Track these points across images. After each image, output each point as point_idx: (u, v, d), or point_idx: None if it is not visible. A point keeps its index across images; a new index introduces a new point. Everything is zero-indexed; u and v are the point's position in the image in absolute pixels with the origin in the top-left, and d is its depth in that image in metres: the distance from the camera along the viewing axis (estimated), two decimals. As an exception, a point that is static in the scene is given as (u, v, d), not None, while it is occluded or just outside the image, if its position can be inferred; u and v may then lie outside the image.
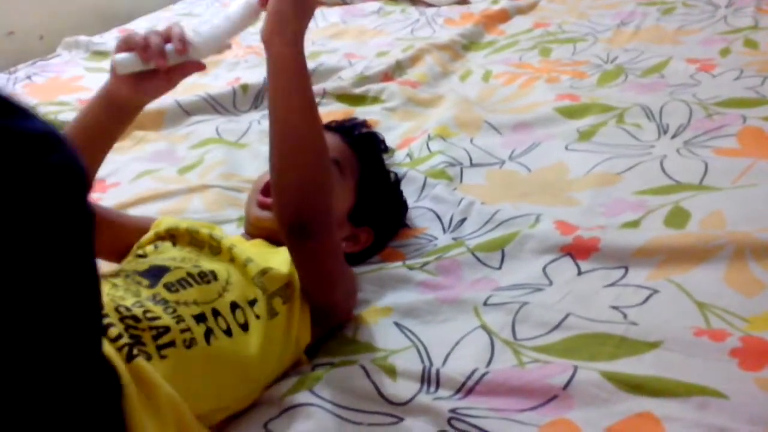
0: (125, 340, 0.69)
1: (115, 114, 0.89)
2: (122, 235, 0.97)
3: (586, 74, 1.62)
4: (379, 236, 1.06)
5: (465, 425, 0.74)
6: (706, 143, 1.24)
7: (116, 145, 1.49)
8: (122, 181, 1.35)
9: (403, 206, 1.14)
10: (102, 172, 1.38)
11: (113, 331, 0.69)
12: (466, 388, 0.79)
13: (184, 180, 1.34)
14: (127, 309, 0.72)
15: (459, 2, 2.31)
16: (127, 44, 0.83)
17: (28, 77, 1.93)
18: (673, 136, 1.28)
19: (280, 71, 0.81)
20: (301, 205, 0.80)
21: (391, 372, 0.82)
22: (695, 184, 1.13)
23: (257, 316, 0.80)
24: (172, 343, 0.72)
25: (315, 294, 0.85)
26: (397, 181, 1.17)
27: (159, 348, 0.71)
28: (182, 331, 0.73)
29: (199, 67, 0.86)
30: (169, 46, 0.82)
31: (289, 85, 0.80)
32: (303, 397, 0.79)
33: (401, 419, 0.76)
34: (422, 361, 0.85)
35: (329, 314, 0.88)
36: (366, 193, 1.05)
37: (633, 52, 1.72)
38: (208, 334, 0.75)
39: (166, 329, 0.72)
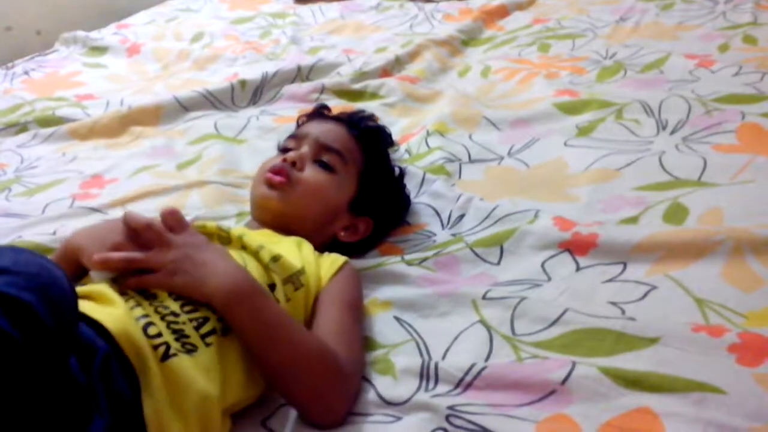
0: (165, 338, 0.71)
1: None
2: None
3: (585, 70, 1.62)
4: (379, 227, 1.08)
5: (463, 422, 0.74)
6: (704, 139, 1.24)
7: (114, 141, 1.52)
8: (120, 177, 1.35)
9: (406, 200, 1.15)
10: (100, 167, 1.39)
11: (153, 330, 0.72)
12: (465, 383, 0.79)
13: (183, 176, 1.34)
14: (165, 307, 0.75)
15: (458, -2, 2.30)
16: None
17: (26, 72, 1.93)
18: (672, 132, 1.28)
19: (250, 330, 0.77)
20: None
21: (391, 371, 0.82)
22: (694, 180, 1.13)
23: (277, 300, 0.83)
24: (213, 331, 0.75)
25: None
26: (402, 175, 1.18)
27: (203, 337, 0.74)
28: (218, 319, 0.76)
29: None
30: None
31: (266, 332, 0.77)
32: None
33: (399, 418, 0.76)
34: (421, 355, 0.85)
35: None
36: (368, 184, 1.07)
37: (632, 48, 1.72)
38: None
39: (206, 319, 0.76)
